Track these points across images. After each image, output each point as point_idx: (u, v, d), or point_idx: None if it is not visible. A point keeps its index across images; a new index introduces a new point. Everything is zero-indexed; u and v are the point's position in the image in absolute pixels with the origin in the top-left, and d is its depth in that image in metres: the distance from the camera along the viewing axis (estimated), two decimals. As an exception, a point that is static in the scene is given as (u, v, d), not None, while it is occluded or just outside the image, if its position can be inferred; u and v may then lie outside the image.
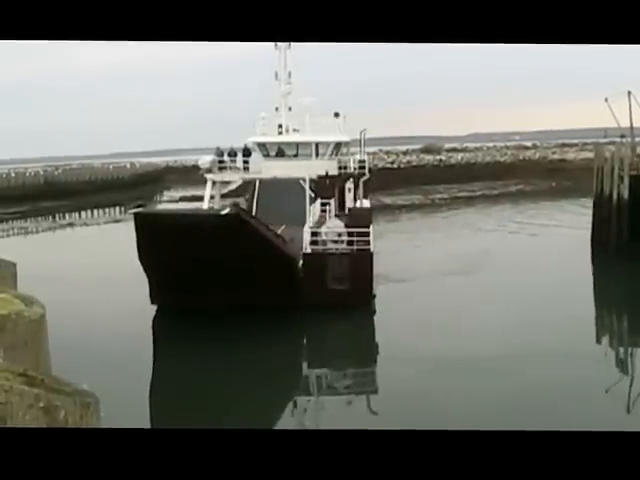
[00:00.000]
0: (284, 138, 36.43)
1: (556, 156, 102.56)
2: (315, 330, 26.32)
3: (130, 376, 20.59)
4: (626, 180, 37.92)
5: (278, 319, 25.20)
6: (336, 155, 35.96)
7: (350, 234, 28.02)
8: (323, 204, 33.31)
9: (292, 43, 35.11)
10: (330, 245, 28.25)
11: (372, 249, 27.81)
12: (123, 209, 66.31)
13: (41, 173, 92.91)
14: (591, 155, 53.63)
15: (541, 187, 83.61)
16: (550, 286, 30.44)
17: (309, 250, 27.89)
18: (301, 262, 27.57)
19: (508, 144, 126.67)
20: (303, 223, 29.35)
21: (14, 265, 6.53)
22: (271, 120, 36.85)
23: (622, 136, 44.42)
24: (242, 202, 34.23)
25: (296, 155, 35.59)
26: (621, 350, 25.17)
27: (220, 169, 34.94)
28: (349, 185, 37.23)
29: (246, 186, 39.70)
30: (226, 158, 35.03)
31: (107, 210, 76.98)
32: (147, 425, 16.82)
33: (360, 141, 37.26)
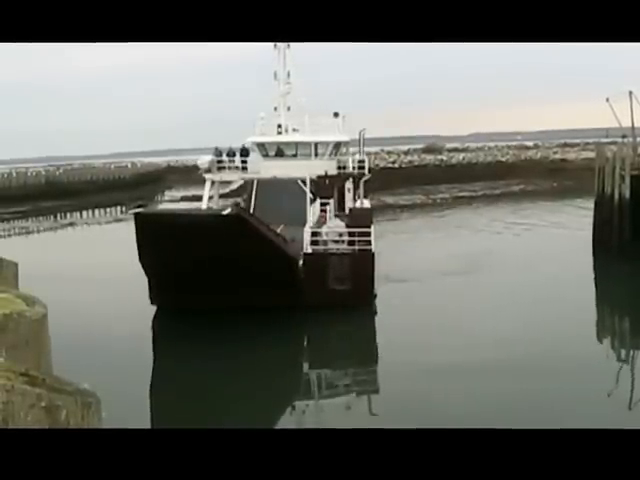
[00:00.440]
0: (283, 138, 36.36)
1: (557, 156, 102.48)
2: (316, 330, 26.24)
3: (130, 376, 20.58)
4: (627, 180, 37.93)
5: (279, 319, 25.18)
6: (335, 155, 35.88)
7: (351, 234, 28.00)
8: (322, 204, 33.28)
9: (291, 43, 35.15)
10: (331, 245, 28.20)
11: (373, 249, 27.81)
12: (124, 209, 66.34)
13: (42, 173, 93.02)
14: (593, 155, 53.52)
15: (542, 187, 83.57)
16: (552, 286, 30.46)
17: (310, 250, 27.85)
18: (302, 262, 27.52)
19: (510, 144, 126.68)
20: (302, 223, 29.31)
21: (16, 265, 6.53)
22: (270, 120, 36.75)
23: (624, 136, 44.41)
24: (240, 202, 34.18)
25: (295, 155, 35.51)
26: (623, 349, 25.15)
27: (219, 169, 34.89)
28: (348, 185, 37.18)
29: (246, 186, 39.67)
30: (225, 158, 34.98)
31: (108, 210, 77.03)
32: (147, 425, 16.83)
33: (360, 141, 37.16)
